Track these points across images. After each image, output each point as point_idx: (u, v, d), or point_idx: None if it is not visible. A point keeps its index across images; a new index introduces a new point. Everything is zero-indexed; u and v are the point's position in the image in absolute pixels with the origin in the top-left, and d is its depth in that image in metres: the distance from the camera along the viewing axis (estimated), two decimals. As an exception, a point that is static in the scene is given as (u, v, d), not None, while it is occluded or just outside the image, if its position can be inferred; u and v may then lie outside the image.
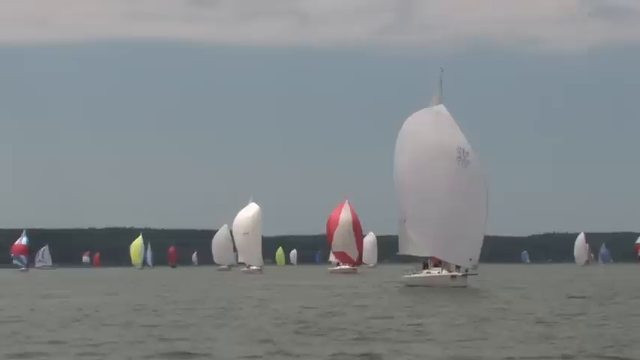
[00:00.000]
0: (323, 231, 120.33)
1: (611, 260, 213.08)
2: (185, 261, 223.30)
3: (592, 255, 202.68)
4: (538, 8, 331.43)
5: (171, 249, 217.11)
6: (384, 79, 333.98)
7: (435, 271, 56.63)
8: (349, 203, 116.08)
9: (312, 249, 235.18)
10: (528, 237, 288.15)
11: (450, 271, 55.75)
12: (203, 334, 25.35)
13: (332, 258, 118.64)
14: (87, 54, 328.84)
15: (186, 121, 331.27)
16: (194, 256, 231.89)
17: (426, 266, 57.80)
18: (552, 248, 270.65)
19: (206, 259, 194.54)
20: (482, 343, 22.69)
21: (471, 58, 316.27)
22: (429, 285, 54.89)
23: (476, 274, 56.87)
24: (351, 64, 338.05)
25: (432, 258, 57.64)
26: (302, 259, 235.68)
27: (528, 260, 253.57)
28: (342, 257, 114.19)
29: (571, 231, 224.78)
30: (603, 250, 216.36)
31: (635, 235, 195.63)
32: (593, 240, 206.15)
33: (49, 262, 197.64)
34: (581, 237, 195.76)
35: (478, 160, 56.37)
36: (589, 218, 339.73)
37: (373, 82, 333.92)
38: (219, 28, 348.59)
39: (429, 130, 56.29)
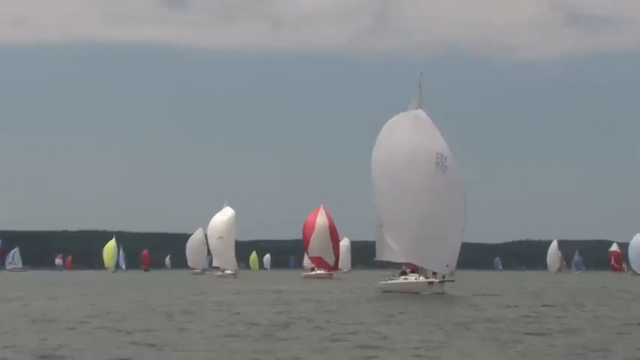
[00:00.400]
0: (296, 236, 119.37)
1: (584, 268, 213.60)
2: (158, 265, 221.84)
3: (564, 262, 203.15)
4: (514, 15, 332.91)
5: (145, 252, 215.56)
6: (360, 83, 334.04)
7: (412, 278, 55.98)
8: (324, 208, 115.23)
9: (286, 254, 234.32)
10: (502, 244, 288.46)
11: (427, 278, 55.09)
12: (165, 339, 24.73)
13: (307, 263, 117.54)
14: (63, 56, 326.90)
15: (160, 124, 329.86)
16: (167, 259, 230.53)
17: (404, 273, 57.08)
18: (525, 255, 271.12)
19: (179, 262, 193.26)
20: (446, 349, 22.47)
21: (448, 63, 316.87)
22: (405, 291, 54.26)
23: (453, 281, 56.21)
24: (328, 68, 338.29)
25: (406, 264, 57.03)
26: (275, 264, 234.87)
27: (501, 267, 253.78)
28: (319, 262, 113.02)
29: (544, 238, 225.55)
30: (577, 257, 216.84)
31: (608, 243, 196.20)
32: (567, 247, 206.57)
33: (20, 265, 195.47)
34: (554, 244, 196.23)
35: (456, 165, 55.71)
36: (563, 226, 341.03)
37: (350, 86, 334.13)
38: (195, 32, 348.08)
39: (407, 135, 55.44)
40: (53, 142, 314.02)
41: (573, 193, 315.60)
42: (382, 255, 58.33)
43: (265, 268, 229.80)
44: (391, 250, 56.54)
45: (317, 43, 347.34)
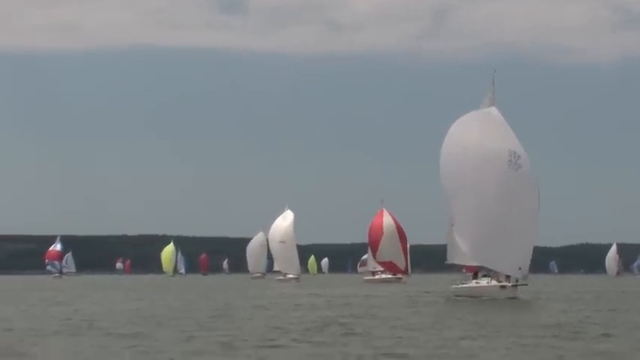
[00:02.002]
0: (353, 239, 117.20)
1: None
2: (216, 269, 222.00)
3: (621, 266, 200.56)
4: (571, 17, 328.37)
5: (203, 256, 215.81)
6: (418, 85, 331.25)
7: (483, 281, 54.36)
8: (387, 211, 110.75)
9: (341, 257, 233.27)
10: (560, 247, 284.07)
11: (499, 281, 53.39)
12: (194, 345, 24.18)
13: (371, 266, 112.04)
14: (116, 62, 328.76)
15: (219, 129, 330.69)
16: (225, 263, 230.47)
17: (475, 276, 55.53)
18: (580, 259, 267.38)
19: (237, 266, 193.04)
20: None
21: (505, 65, 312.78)
22: (477, 296, 52.72)
23: (526, 285, 54.39)
24: (386, 70, 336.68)
25: (466, 267, 55.41)
26: (332, 268, 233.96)
27: (556, 270, 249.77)
28: (390, 267, 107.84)
29: (604, 242, 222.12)
30: (638, 261, 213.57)
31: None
32: (627, 251, 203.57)
33: (73, 269, 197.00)
34: (613, 248, 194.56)
35: (530, 164, 53.79)
36: (623, 229, 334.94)
37: (407, 88, 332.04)
38: (249, 37, 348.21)
39: (479, 132, 53.74)
40: (112, 147, 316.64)
41: (633, 196, 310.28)
42: (453, 258, 56.73)
43: (323, 272, 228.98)
44: (462, 253, 54.89)
45: (375, 46, 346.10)
